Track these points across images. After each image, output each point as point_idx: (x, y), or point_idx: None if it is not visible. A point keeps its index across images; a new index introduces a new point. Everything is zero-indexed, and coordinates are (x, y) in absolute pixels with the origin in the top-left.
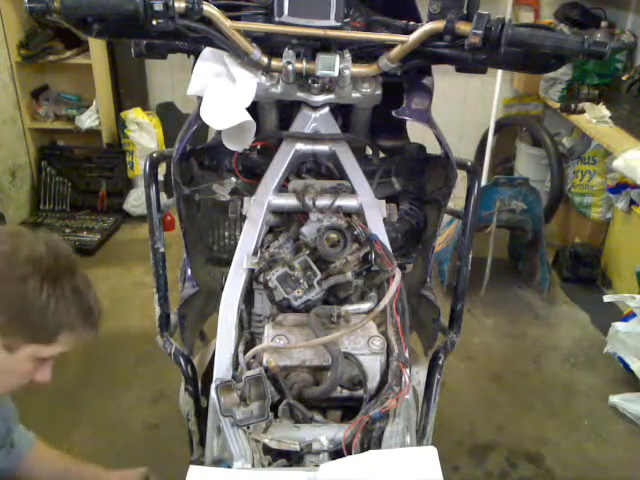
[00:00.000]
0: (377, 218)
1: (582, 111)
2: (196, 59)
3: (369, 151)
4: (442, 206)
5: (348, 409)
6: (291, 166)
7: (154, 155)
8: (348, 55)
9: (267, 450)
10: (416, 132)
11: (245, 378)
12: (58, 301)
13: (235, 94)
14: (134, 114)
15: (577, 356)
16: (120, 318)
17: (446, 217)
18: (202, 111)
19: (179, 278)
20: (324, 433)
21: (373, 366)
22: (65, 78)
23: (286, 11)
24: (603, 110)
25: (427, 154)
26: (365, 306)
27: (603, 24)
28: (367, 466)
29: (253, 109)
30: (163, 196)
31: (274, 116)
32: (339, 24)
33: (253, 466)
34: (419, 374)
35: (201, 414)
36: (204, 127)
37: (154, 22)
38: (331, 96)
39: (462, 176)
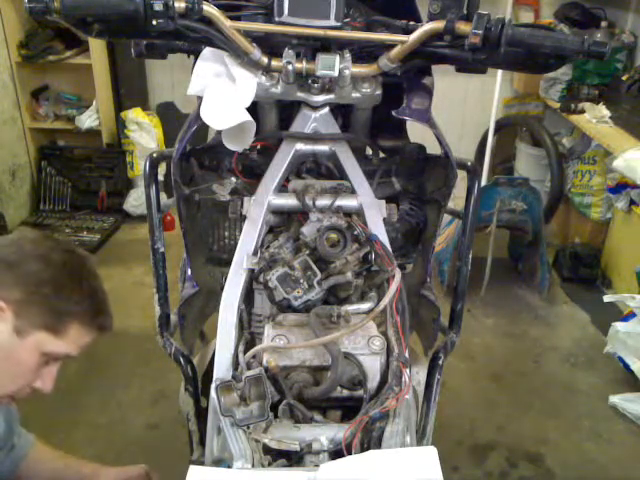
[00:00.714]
0: (377, 218)
1: (582, 111)
2: (196, 59)
3: (369, 151)
4: (442, 206)
5: (348, 409)
6: (291, 166)
7: (154, 155)
8: (348, 55)
9: (267, 450)
10: (416, 132)
11: (245, 378)
12: (74, 289)
13: (235, 94)
14: (134, 114)
15: (577, 356)
16: (120, 318)
17: (446, 217)
18: (202, 111)
19: (179, 278)
20: (324, 433)
21: (373, 366)
22: (65, 78)
23: (286, 11)
24: (603, 110)
25: (427, 154)
26: (365, 306)
27: (603, 24)
28: (367, 466)
29: (253, 109)
30: (163, 196)
31: (274, 116)
32: (339, 24)
33: (253, 466)
34: (419, 374)
35: (201, 414)
36: (204, 127)
37: (154, 22)
38: (331, 96)
39: (462, 176)
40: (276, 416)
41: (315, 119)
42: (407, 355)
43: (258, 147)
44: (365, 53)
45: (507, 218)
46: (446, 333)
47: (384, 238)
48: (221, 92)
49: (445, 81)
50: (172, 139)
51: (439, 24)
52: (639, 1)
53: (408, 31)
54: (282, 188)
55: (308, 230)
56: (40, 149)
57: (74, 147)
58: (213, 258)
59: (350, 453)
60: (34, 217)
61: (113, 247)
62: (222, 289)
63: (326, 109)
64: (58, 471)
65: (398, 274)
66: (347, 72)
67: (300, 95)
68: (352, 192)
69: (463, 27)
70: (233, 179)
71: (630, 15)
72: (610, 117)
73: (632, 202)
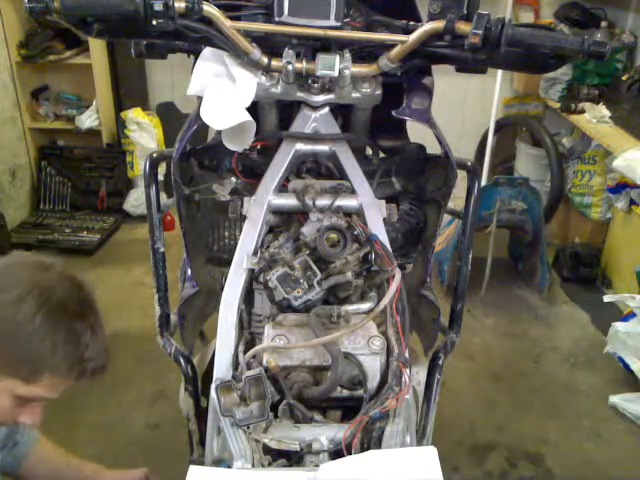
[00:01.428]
0: (377, 218)
1: (582, 111)
2: (196, 59)
3: (369, 151)
4: (442, 206)
5: (348, 409)
6: (291, 166)
7: (154, 155)
8: (348, 55)
9: (267, 450)
10: (416, 132)
11: (245, 378)
12: (46, 337)
13: (235, 94)
14: (134, 114)
15: (577, 356)
16: (120, 318)
17: (446, 217)
18: (202, 111)
19: (179, 278)
20: (324, 433)
21: (373, 366)
22: (65, 78)
23: (286, 11)
24: (603, 110)
25: (427, 154)
26: (365, 306)
27: (603, 24)
28: (367, 466)
29: (253, 109)
30: (163, 196)
31: (274, 116)
32: (339, 24)
33: (253, 466)
34: (419, 374)
35: (201, 414)
36: (204, 127)
37: (154, 22)
38: (331, 96)
39: (462, 176)
40: (276, 416)
41: (315, 119)
42: (407, 355)
43: (258, 147)
44: (365, 53)
45: (507, 218)
46: (446, 333)
47: (384, 238)
48: (221, 92)
49: (445, 81)
50: (172, 139)
51: (439, 24)
52: (639, 1)
53: (408, 31)
54: (282, 188)
55: (308, 230)
56: (40, 149)
57: (74, 147)
58: (213, 258)
59: (350, 453)
60: (34, 217)
61: (113, 247)
62: (222, 289)
63: (326, 109)
64: (59, 470)
65: (398, 274)
66: (347, 72)
67: (300, 95)
68: (352, 192)
69: (463, 27)
70: (233, 179)
71: (630, 15)
72: (610, 117)
73: (632, 202)
